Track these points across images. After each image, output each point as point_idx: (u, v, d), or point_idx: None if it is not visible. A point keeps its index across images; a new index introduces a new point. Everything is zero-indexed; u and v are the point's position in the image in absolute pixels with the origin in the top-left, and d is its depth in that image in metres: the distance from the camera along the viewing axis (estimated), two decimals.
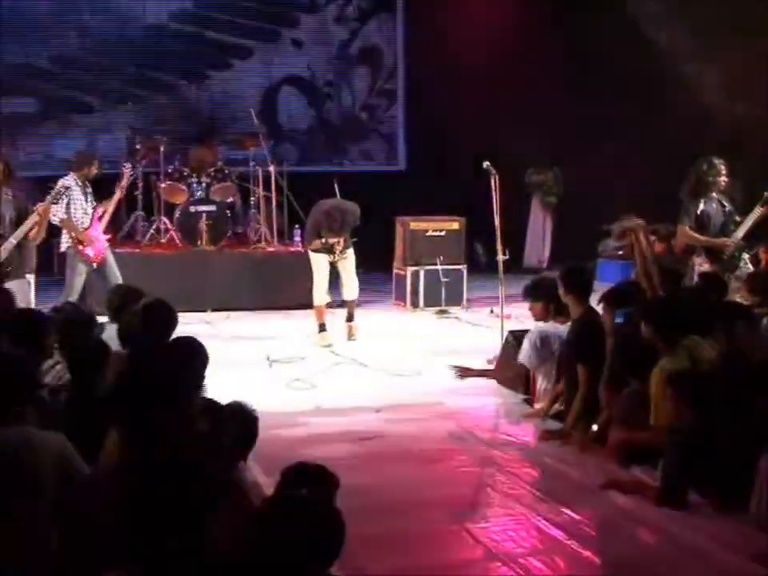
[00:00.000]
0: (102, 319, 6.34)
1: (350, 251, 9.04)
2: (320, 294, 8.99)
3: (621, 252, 11.12)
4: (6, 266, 7.25)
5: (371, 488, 5.26)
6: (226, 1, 12.92)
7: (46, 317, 5.34)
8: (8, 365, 3.94)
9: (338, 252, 8.90)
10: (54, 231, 8.73)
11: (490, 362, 7.76)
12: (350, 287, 9.12)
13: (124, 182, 9.06)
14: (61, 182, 8.34)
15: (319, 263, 8.97)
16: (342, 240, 8.87)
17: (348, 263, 9.05)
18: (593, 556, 4.54)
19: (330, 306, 9.24)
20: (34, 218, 7.37)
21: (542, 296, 6.75)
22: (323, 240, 8.86)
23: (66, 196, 8.42)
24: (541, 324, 6.81)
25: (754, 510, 4.55)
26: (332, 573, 2.83)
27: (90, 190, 8.79)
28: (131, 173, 9.53)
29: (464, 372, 7.65)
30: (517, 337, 7.28)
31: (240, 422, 3.93)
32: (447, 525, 4.86)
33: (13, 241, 7.29)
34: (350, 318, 9.17)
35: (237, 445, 3.88)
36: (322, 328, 8.97)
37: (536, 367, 6.79)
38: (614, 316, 6.12)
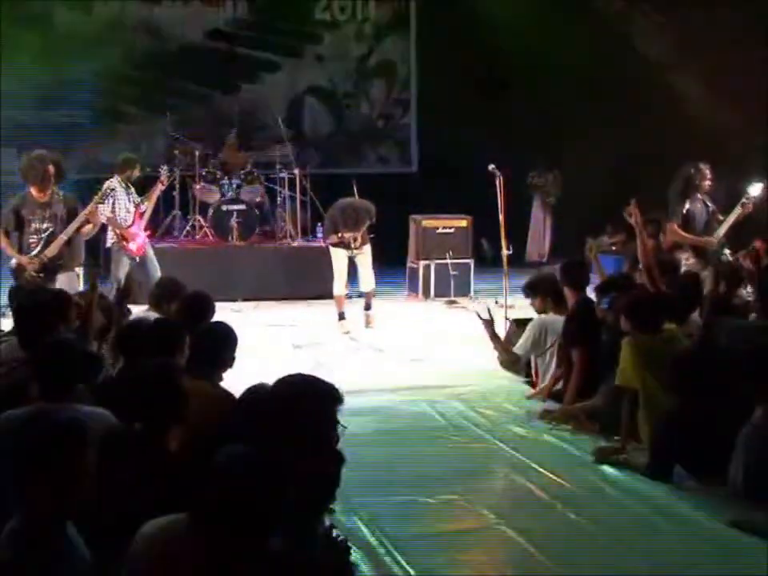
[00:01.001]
0: (142, 308, 6.42)
1: (367, 247, 9.05)
2: (339, 285, 9.01)
3: (614, 247, 11.11)
4: (57, 260, 7.30)
5: (384, 462, 5.28)
6: (256, 20, 12.91)
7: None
8: (60, 347, 3.99)
9: (354, 247, 8.92)
10: (100, 228, 8.78)
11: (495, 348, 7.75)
12: (367, 280, 9.14)
13: (162, 182, 9.11)
14: (106, 184, 8.38)
15: (338, 257, 8.99)
16: (358, 236, 8.88)
17: (365, 258, 9.06)
18: (584, 521, 4.56)
19: (349, 296, 9.25)
20: (82, 217, 7.42)
21: (538, 292, 6.76)
22: (340, 235, 8.88)
23: (111, 196, 8.45)
24: (542, 315, 6.82)
25: (732, 480, 4.56)
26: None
27: (132, 190, 8.82)
28: (169, 175, 9.57)
29: (486, 324, 7.03)
30: (519, 324, 7.28)
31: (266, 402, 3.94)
32: (454, 496, 4.84)
33: (64, 237, 7.32)
34: (367, 308, 9.19)
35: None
36: (341, 316, 9.00)
37: (529, 355, 6.79)
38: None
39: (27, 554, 2.49)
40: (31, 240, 7.26)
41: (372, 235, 9.13)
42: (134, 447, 3.35)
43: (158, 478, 3.20)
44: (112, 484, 3.06)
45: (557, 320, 6.61)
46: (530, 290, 6.85)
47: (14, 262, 7.26)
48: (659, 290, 6.24)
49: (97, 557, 2.73)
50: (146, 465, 3.26)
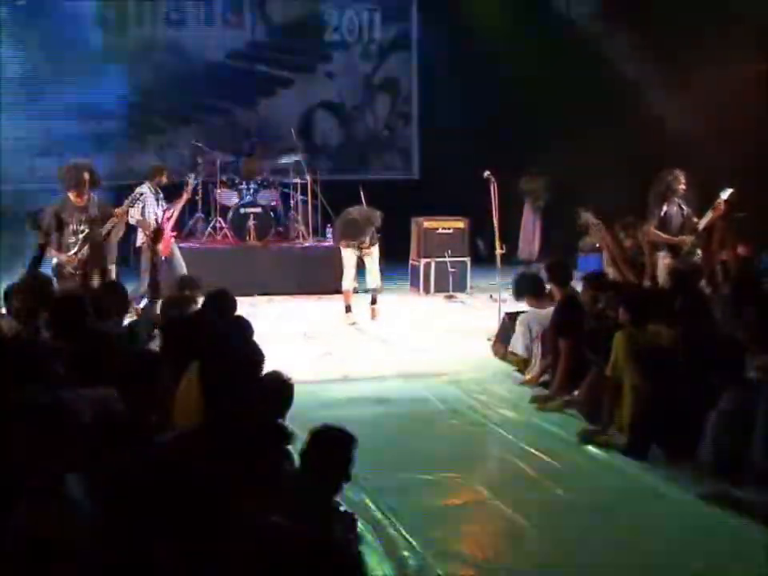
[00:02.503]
0: None
1: (375, 248, 9.05)
2: (347, 281, 9.02)
3: (598, 246, 11.07)
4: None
5: (387, 442, 5.29)
6: (272, 41, 12.90)
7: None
8: (94, 335, 4.00)
9: (363, 248, 8.94)
10: (131, 229, 8.79)
11: (489, 339, 7.71)
12: (373, 277, 9.13)
13: (189, 190, 9.12)
14: (137, 189, 8.38)
15: (347, 255, 9.01)
16: (366, 239, 8.89)
17: (372, 258, 9.06)
18: (570, 496, 4.58)
19: (356, 291, 9.26)
20: (113, 220, 7.42)
21: (524, 292, 6.82)
22: (344, 243, 8.94)
23: (141, 201, 8.45)
24: (530, 311, 6.85)
25: (701, 458, 4.57)
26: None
27: (161, 195, 8.83)
28: (194, 182, 9.58)
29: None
30: (512, 318, 7.29)
31: (278, 388, 3.94)
32: (452, 473, 4.86)
33: (98, 238, 7.33)
34: (373, 302, 9.20)
35: (275, 406, 3.88)
36: (348, 309, 9.00)
37: (525, 350, 6.82)
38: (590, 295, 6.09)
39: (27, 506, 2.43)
40: (70, 240, 7.28)
41: (380, 234, 9.13)
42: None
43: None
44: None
45: (539, 313, 6.66)
46: (517, 294, 6.98)
47: (54, 260, 7.27)
48: (628, 281, 6.23)
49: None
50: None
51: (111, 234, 7.47)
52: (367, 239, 8.88)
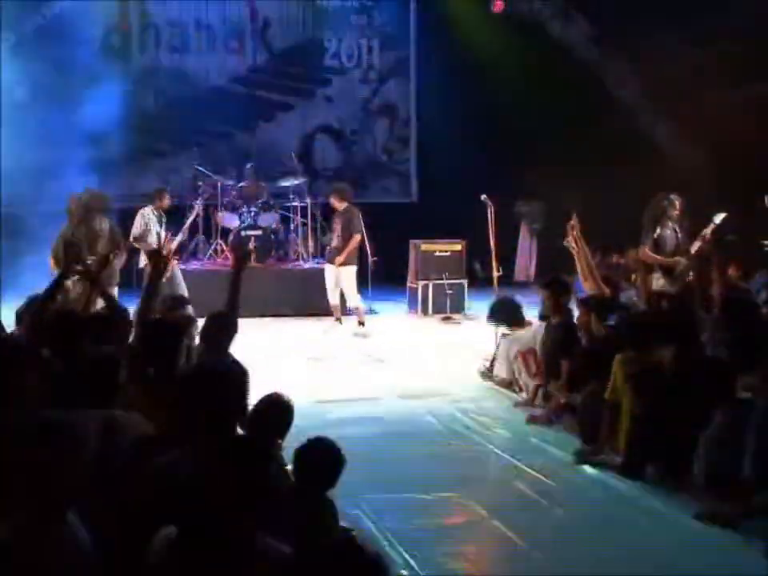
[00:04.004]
0: None
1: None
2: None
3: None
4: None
5: (385, 462, 5.30)
6: (272, 66, 13.00)
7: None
8: (97, 359, 3.98)
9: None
10: (134, 251, 8.83)
11: (486, 359, 7.74)
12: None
13: (195, 214, 9.20)
14: (140, 213, 8.43)
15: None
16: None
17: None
18: (566, 516, 4.58)
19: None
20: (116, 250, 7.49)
21: (501, 320, 7.22)
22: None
23: (145, 224, 8.50)
24: (507, 337, 7.12)
25: (695, 477, 4.58)
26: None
27: (164, 218, 8.87)
28: (199, 206, 9.67)
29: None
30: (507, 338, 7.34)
31: (278, 409, 3.92)
32: (450, 493, 4.87)
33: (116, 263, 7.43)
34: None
35: (275, 427, 3.87)
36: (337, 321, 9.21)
37: (508, 372, 6.99)
38: (589, 317, 6.09)
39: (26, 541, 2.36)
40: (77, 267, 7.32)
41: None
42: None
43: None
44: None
45: (517, 335, 6.94)
46: (494, 321, 7.32)
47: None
48: (604, 296, 6.26)
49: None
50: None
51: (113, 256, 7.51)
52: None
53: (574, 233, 6.56)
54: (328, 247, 9.73)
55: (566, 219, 6.69)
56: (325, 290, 10.08)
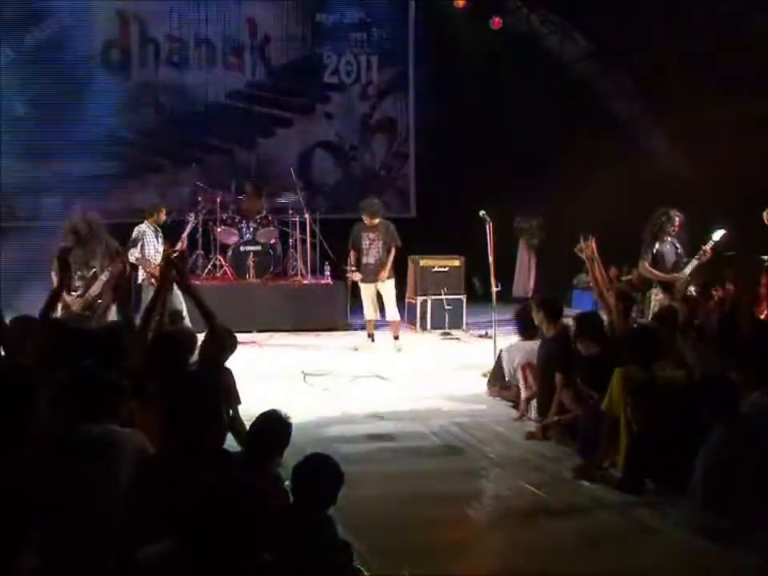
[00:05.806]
0: None
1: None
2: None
3: (591, 284, 11.12)
4: (98, 298, 7.40)
5: (387, 480, 5.30)
6: (271, 82, 13.06)
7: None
8: (95, 375, 3.98)
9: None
10: (132, 267, 8.84)
11: (484, 374, 7.73)
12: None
13: (190, 227, 9.23)
14: (136, 228, 8.47)
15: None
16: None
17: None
18: (565, 531, 4.58)
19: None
20: (113, 267, 7.52)
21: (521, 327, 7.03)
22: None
23: (141, 239, 8.53)
24: (517, 342, 7.07)
25: (693, 492, 4.58)
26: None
27: (161, 233, 8.91)
28: (194, 221, 9.69)
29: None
30: None
31: (277, 425, 3.92)
32: (451, 510, 4.86)
33: (103, 278, 7.43)
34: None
35: (274, 444, 3.88)
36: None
37: (508, 376, 6.98)
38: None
39: None
40: (77, 284, 7.39)
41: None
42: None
43: None
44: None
45: (519, 346, 6.96)
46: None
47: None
48: (615, 316, 6.27)
49: None
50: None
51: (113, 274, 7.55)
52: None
53: (590, 254, 6.61)
54: (357, 265, 9.42)
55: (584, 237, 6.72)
56: (322, 305, 10.12)
